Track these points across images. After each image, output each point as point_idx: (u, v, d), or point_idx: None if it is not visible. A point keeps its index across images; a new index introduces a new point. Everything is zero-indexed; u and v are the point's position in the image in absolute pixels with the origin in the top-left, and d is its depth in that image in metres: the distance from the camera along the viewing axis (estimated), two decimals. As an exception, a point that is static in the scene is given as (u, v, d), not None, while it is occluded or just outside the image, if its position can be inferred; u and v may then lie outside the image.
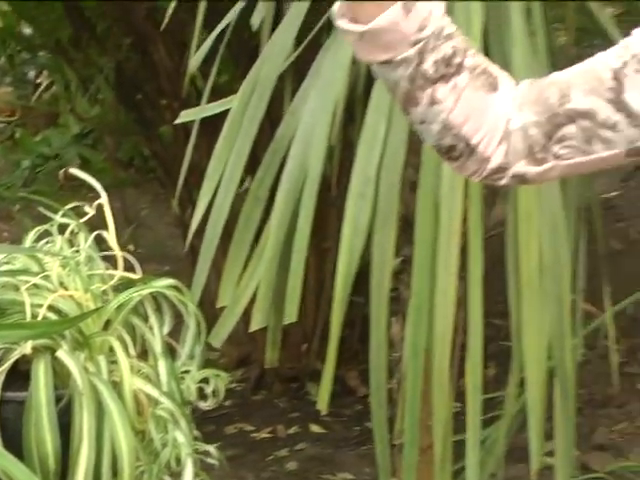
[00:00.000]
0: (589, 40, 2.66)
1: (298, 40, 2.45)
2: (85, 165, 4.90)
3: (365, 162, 2.21)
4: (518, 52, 2.17)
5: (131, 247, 4.78)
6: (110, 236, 2.05)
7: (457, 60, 1.36)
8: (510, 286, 2.24)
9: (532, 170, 1.40)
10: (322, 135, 2.24)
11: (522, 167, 1.41)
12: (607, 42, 2.39)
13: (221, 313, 2.40)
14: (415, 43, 1.33)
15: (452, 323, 2.20)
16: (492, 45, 2.23)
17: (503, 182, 1.44)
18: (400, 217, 2.29)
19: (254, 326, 2.32)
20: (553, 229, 2.23)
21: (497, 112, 1.41)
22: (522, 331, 2.20)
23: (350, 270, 2.24)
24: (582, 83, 1.37)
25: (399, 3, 1.30)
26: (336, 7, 1.33)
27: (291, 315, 2.27)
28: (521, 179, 1.43)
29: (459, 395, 2.34)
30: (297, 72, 2.45)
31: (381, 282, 2.27)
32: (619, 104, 1.35)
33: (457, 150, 1.42)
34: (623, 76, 1.34)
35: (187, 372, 2.12)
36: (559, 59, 2.64)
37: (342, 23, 1.32)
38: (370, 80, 2.25)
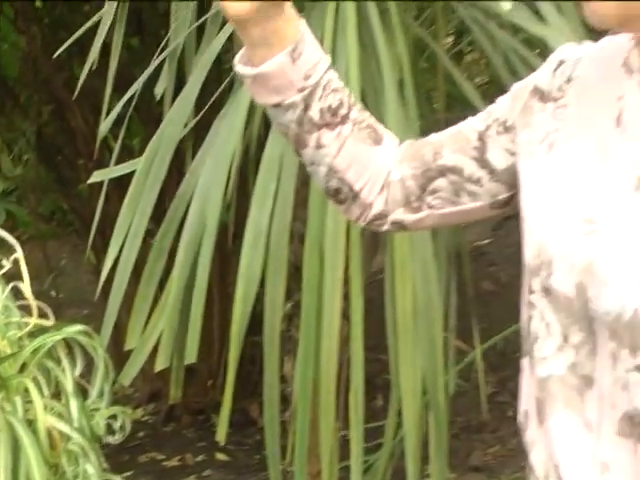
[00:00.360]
0: (459, 106, 2.72)
1: (198, 107, 2.47)
2: (11, 219, 4.88)
3: (257, 216, 2.23)
4: (392, 120, 2.19)
5: (53, 293, 4.80)
6: (25, 287, 2.06)
7: (343, 111, 1.40)
8: (388, 326, 2.26)
9: (409, 218, 1.44)
10: (218, 192, 2.25)
11: (400, 215, 1.44)
12: (470, 109, 2.47)
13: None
14: (301, 90, 1.35)
15: (337, 360, 2.21)
16: (371, 112, 2.26)
17: (384, 228, 1.47)
18: (290, 265, 2.31)
19: (158, 367, 2.33)
20: (425, 275, 2.26)
21: (379, 163, 1.44)
22: (399, 367, 2.22)
23: (244, 314, 2.25)
24: (452, 143, 1.41)
25: (286, 51, 1.33)
26: (238, 55, 1.37)
27: (191, 356, 2.27)
28: (400, 226, 1.46)
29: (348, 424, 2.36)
30: (197, 136, 2.48)
31: (273, 324, 2.28)
32: (483, 162, 1.39)
33: (343, 194, 1.44)
34: (486, 137, 1.38)
35: (97, 409, 2.12)
36: (430, 123, 2.71)
37: (239, 67, 1.36)
38: (262, 143, 2.29)
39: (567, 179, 1.26)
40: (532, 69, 2.35)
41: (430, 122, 2.64)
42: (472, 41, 2.62)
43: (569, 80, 1.30)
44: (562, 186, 1.26)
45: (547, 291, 1.24)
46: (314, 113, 1.39)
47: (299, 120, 1.39)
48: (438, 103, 2.76)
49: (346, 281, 2.22)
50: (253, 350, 2.91)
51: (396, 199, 1.44)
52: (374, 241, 2.59)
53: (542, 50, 2.30)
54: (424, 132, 2.36)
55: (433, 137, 1.45)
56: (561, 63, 1.33)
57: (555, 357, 1.24)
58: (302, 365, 2.25)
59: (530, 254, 1.27)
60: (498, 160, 1.37)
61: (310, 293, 2.23)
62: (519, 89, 1.37)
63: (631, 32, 1.23)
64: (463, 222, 1.46)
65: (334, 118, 1.41)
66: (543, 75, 1.34)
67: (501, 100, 1.40)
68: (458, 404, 3.45)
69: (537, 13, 2.24)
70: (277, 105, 1.38)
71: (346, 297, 2.23)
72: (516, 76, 2.39)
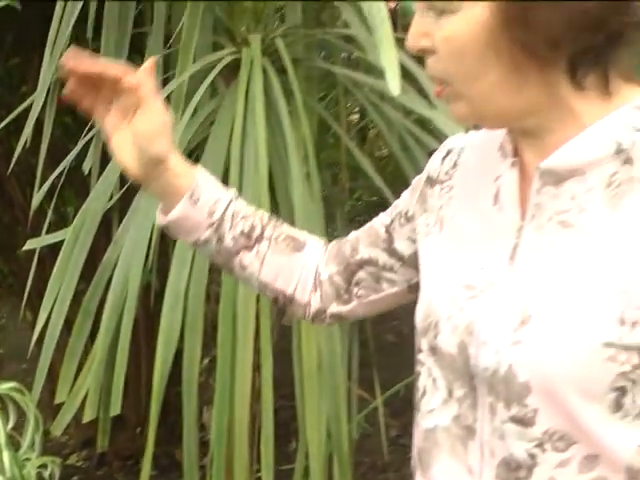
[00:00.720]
0: (360, 177, 2.77)
1: (123, 180, 2.46)
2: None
3: (177, 279, 2.24)
4: (297, 192, 2.23)
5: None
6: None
7: (256, 233, 1.47)
8: (295, 378, 2.29)
9: (343, 309, 1.49)
10: (140, 258, 2.26)
11: (335, 308, 1.49)
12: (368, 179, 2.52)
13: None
14: (210, 225, 1.43)
15: (249, 409, 2.23)
16: (278, 191, 2.32)
17: (327, 321, 1.53)
18: (206, 324, 2.33)
19: (86, 418, 2.33)
20: (329, 331, 2.29)
21: (305, 267, 1.50)
22: (305, 414, 2.24)
23: (165, 368, 2.26)
24: (366, 238, 1.47)
25: (185, 198, 1.40)
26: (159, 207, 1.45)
27: (115, 409, 2.27)
28: (338, 317, 1.51)
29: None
30: (123, 207, 2.48)
31: (191, 376, 2.29)
32: (392, 251, 1.44)
33: (280, 300, 1.51)
34: (392, 230, 1.43)
35: (28, 459, 2.13)
36: (335, 192, 2.76)
37: (157, 217, 1.44)
38: None
39: (453, 251, 1.30)
40: (423, 145, 2.44)
41: (335, 191, 2.70)
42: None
43: (455, 165, 1.35)
44: (449, 257, 1.30)
45: (433, 350, 1.25)
46: (228, 242, 1.46)
47: (217, 250, 1.46)
48: (342, 174, 2.81)
49: (257, 337, 2.23)
50: (177, 400, 2.92)
51: (328, 295, 1.50)
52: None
53: (431, 129, 2.36)
54: (329, 200, 2.44)
55: (352, 235, 1.50)
56: (449, 152, 1.38)
57: (440, 410, 1.26)
58: (218, 413, 2.25)
59: (419, 317, 1.29)
60: (404, 248, 1.43)
61: (224, 348, 2.24)
62: (417, 181, 1.42)
63: (492, 127, 1.28)
64: (391, 307, 1.49)
65: (249, 241, 1.47)
66: (434, 164, 1.39)
67: (404, 194, 1.45)
68: (365, 446, 3.48)
69: (426, 97, 2.31)
70: (195, 242, 1.45)
71: (258, 351, 2.24)
72: (408, 151, 2.47)
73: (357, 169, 2.77)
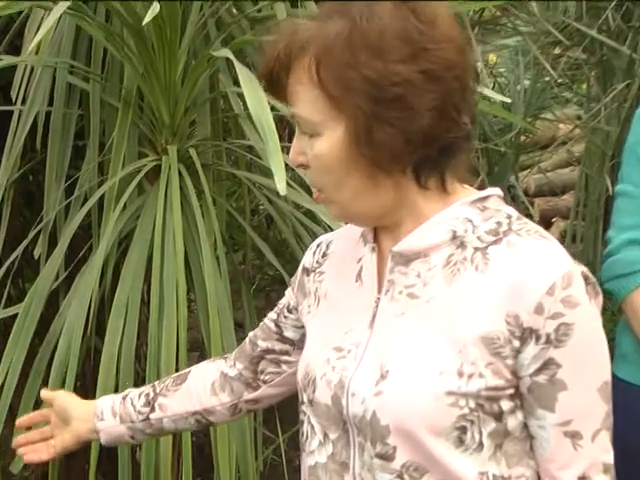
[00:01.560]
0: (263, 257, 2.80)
1: (67, 263, 2.49)
2: None
3: (111, 343, 2.23)
4: (208, 270, 2.25)
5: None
6: None
7: (151, 397, 1.57)
8: None
9: (254, 394, 1.53)
10: (80, 327, 2.25)
11: (247, 396, 1.53)
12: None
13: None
14: (122, 423, 1.58)
15: (172, 450, 2.22)
16: (193, 271, 2.34)
17: (245, 410, 1.57)
18: (137, 379, 2.30)
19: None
20: None
21: (202, 381, 1.56)
22: (218, 453, 2.23)
23: None
24: (261, 334, 1.51)
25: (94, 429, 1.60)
26: None
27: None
28: (253, 402, 1.55)
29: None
30: (66, 286, 2.48)
31: None
32: (284, 339, 1.48)
33: (201, 421, 1.57)
34: (280, 322, 1.48)
35: (-12, 496, 2.11)
36: (238, 272, 2.78)
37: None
38: (114, 285, 2.33)
39: (326, 320, 1.34)
40: (311, 232, 2.48)
41: (239, 270, 2.73)
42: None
43: (324, 255, 1.40)
44: (323, 326, 1.34)
45: (311, 402, 1.29)
46: (138, 422, 1.57)
47: (137, 430, 1.58)
48: (248, 255, 2.85)
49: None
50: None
51: (240, 387, 1.53)
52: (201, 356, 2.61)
53: (317, 220, 2.40)
54: (233, 276, 2.47)
55: (250, 334, 1.53)
56: (318, 245, 1.42)
57: (319, 450, 1.29)
58: (146, 454, 2.23)
59: (300, 375, 1.33)
60: (292, 335, 1.47)
61: None
62: (295, 277, 1.45)
63: (359, 225, 1.33)
64: (295, 385, 1.46)
65: (152, 411, 1.56)
66: (307, 257, 1.43)
67: (287, 291, 1.48)
68: (275, 475, 3.46)
69: (310, 193, 2.36)
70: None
71: None
72: (300, 237, 2.50)
73: (258, 250, 2.81)
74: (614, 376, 2.19)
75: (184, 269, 2.23)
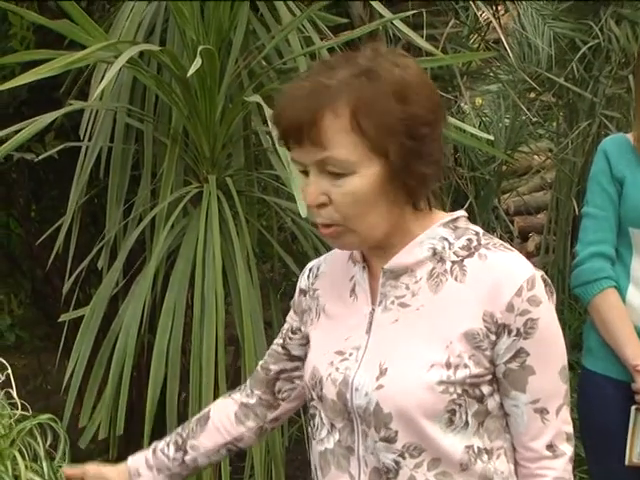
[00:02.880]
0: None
1: (125, 273, 2.48)
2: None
3: (161, 340, 2.22)
4: (242, 279, 2.25)
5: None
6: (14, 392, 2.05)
7: (180, 443, 1.43)
8: None
9: (276, 413, 1.44)
10: (135, 326, 2.23)
11: (270, 416, 1.44)
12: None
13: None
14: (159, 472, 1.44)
15: None
16: (229, 280, 2.31)
17: (270, 428, 1.47)
18: (182, 371, 2.28)
19: (100, 437, 2.29)
20: None
21: (225, 414, 1.44)
22: None
23: (154, 402, 2.22)
24: (270, 359, 1.43)
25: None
26: None
27: (120, 430, 2.24)
28: (276, 420, 1.45)
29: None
30: (126, 290, 2.47)
31: (172, 408, 2.24)
32: (292, 357, 1.40)
33: (231, 449, 1.46)
34: (286, 344, 1.40)
35: (61, 466, 2.10)
36: (267, 279, 2.77)
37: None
38: (164, 291, 2.32)
39: (326, 330, 1.30)
40: (327, 246, 2.45)
41: (267, 278, 2.72)
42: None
43: (316, 276, 1.35)
44: (323, 335, 1.30)
45: (320, 398, 1.26)
46: (177, 469, 1.44)
47: (179, 475, 1.45)
48: (275, 265, 2.84)
49: (216, 380, 2.20)
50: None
51: (262, 411, 1.44)
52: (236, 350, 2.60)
53: None
54: (263, 283, 2.46)
55: (260, 363, 1.45)
56: (310, 270, 1.37)
57: (327, 438, 1.26)
58: None
59: (307, 377, 1.29)
60: (300, 352, 1.38)
61: (194, 388, 2.20)
62: (293, 300, 1.39)
63: (363, 248, 1.25)
64: None
65: (181, 452, 1.43)
66: (301, 281, 1.37)
67: (288, 317, 1.41)
68: (298, 449, 3.41)
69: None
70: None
71: (217, 389, 2.19)
72: (317, 250, 2.48)
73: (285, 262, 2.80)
74: (582, 367, 2.19)
75: (222, 278, 2.22)
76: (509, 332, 1.18)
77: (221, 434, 1.44)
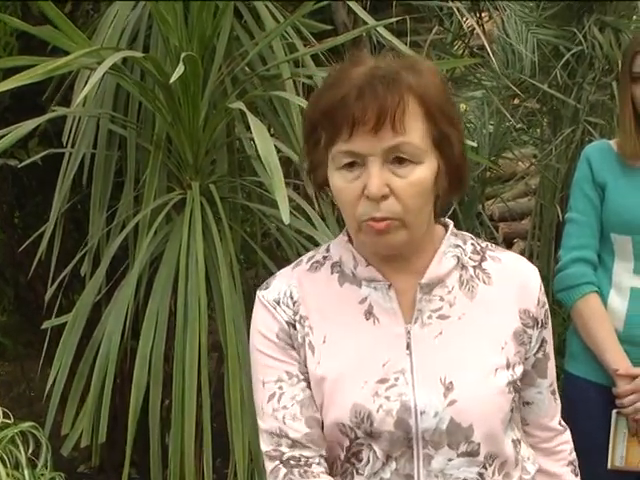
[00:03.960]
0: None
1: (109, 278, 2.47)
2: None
3: (144, 346, 2.20)
4: (225, 285, 2.24)
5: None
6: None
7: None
8: (226, 410, 2.23)
9: None
10: (118, 333, 2.22)
11: None
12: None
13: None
14: None
15: (194, 435, 2.18)
16: (213, 286, 2.29)
17: None
18: (165, 377, 2.27)
19: (82, 444, 2.26)
20: (249, 378, 2.24)
21: None
22: (233, 437, 2.20)
23: (136, 409, 2.19)
24: (311, 409, 1.20)
25: None
26: None
27: (102, 438, 2.22)
28: None
29: None
30: (109, 297, 2.46)
31: (155, 414, 2.22)
32: (303, 377, 1.22)
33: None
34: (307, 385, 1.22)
35: (43, 474, 2.09)
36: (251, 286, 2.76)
37: None
38: (147, 298, 2.31)
39: (348, 361, 1.17)
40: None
41: (251, 285, 2.70)
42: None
43: (294, 303, 1.21)
44: (347, 366, 1.17)
45: (371, 434, 1.16)
46: None
47: None
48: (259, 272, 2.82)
49: (200, 385, 2.19)
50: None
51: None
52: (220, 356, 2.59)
53: (316, 242, 2.37)
54: (247, 290, 2.45)
55: (302, 422, 1.19)
56: (277, 302, 1.21)
57: (383, 469, 1.17)
58: (174, 438, 2.20)
59: (348, 417, 1.15)
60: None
61: (177, 394, 2.18)
62: (282, 344, 1.22)
63: (404, 250, 1.18)
64: None
65: None
66: (280, 317, 1.21)
67: (291, 368, 1.22)
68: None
69: (310, 220, 2.36)
70: None
71: (200, 394, 2.18)
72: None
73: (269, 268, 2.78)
74: (565, 371, 2.20)
75: (205, 285, 2.21)
76: (537, 324, 1.23)
77: None
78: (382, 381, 1.15)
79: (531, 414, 1.29)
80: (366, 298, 1.20)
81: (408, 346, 1.18)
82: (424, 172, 1.13)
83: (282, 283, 1.24)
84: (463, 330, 1.19)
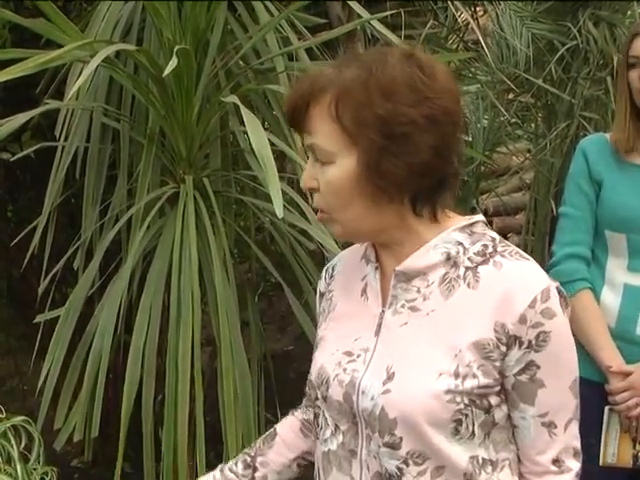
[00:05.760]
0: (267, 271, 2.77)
1: (102, 272, 2.47)
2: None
3: (137, 340, 2.20)
4: (218, 277, 2.24)
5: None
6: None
7: (255, 461, 1.39)
8: (220, 403, 2.24)
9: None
10: (111, 327, 2.22)
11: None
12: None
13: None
14: None
15: (187, 429, 2.19)
16: (206, 279, 2.30)
17: None
18: (158, 371, 2.27)
19: (75, 439, 2.27)
20: (241, 371, 2.25)
21: (291, 430, 1.41)
22: (227, 429, 2.21)
23: (130, 403, 2.20)
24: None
25: None
26: None
27: (95, 432, 2.23)
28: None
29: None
30: (100, 293, 2.46)
31: (148, 408, 2.24)
32: None
33: (304, 462, 1.41)
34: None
35: (35, 469, 2.09)
36: (245, 279, 2.76)
37: None
38: (140, 292, 2.31)
39: (335, 331, 1.28)
40: (303, 246, 2.46)
41: (245, 278, 2.71)
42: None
43: (331, 277, 1.35)
44: (332, 335, 1.28)
45: (325, 398, 1.24)
46: None
47: None
48: (252, 265, 2.83)
49: (193, 379, 2.20)
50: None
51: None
52: (213, 350, 2.59)
53: (309, 236, 2.38)
54: (240, 283, 2.46)
55: (308, 382, 1.31)
56: (326, 270, 1.37)
57: (331, 439, 1.24)
58: (167, 431, 2.21)
59: (314, 376, 1.26)
60: None
61: (170, 388, 2.19)
62: (317, 308, 1.37)
63: (358, 241, 1.30)
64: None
65: (250, 469, 1.39)
66: (320, 284, 1.37)
67: (319, 329, 1.34)
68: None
69: (304, 214, 2.36)
70: None
71: (193, 387, 2.20)
72: (295, 250, 2.48)
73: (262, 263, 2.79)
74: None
75: (198, 278, 2.22)
76: (520, 344, 1.15)
77: (290, 448, 1.41)
78: (348, 354, 1.23)
79: (518, 439, 1.22)
80: (365, 276, 1.27)
81: (378, 328, 1.22)
82: (335, 172, 1.16)
83: (339, 255, 1.37)
84: (427, 326, 1.19)
